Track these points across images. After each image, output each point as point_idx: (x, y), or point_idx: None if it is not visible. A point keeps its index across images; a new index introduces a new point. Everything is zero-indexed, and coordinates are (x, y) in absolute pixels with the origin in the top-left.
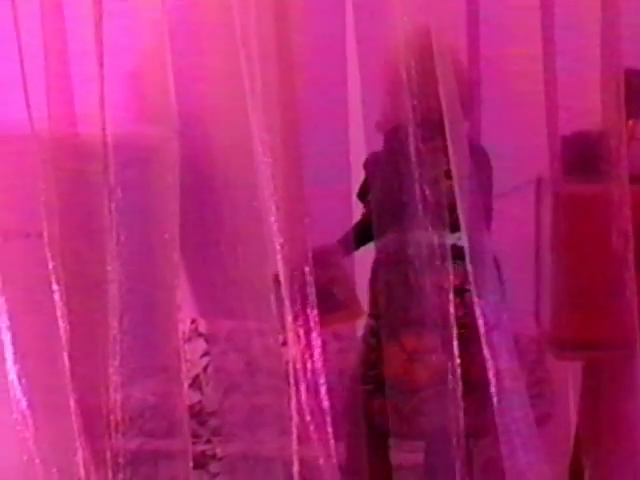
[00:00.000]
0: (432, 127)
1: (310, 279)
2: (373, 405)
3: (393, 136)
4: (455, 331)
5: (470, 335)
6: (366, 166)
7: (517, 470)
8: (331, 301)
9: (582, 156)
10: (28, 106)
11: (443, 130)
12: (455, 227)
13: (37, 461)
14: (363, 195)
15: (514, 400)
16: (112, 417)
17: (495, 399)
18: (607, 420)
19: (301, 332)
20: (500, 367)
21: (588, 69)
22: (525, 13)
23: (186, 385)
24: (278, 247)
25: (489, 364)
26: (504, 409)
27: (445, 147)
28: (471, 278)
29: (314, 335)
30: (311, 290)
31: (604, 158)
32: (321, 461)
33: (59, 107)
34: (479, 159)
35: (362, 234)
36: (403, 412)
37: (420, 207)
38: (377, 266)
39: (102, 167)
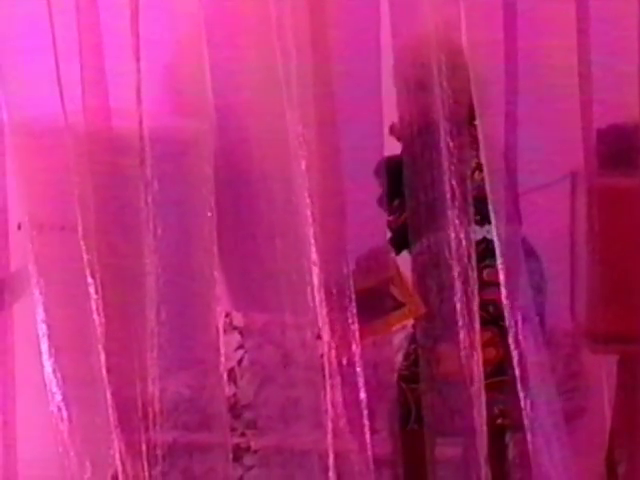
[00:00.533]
0: (460, 122)
1: (347, 272)
2: (426, 403)
3: (425, 133)
4: (504, 325)
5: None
6: (380, 171)
7: (544, 465)
8: (390, 301)
9: (617, 149)
10: (63, 100)
11: (470, 125)
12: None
13: (72, 453)
14: (390, 200)
15: (542, 395)
16: (149, 410)
17: (522, 393)
18: None
19: (337, 326)
20: (529, 361)
21: (624, 62)
22: (560, 6)
23: (225, 377)
24: (313, 240)
25: (517, 358)
26: (531, 403)
27: (472, 142)
28: (501, 270)
29: (351, 328)
30: (348, 283)
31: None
32: (356, 454)
33: (94, 100)
34: None
35: (399, 240)
36: (456, 407)
37: (458, 204)
38: (420, 266)
39: (138, 160)
